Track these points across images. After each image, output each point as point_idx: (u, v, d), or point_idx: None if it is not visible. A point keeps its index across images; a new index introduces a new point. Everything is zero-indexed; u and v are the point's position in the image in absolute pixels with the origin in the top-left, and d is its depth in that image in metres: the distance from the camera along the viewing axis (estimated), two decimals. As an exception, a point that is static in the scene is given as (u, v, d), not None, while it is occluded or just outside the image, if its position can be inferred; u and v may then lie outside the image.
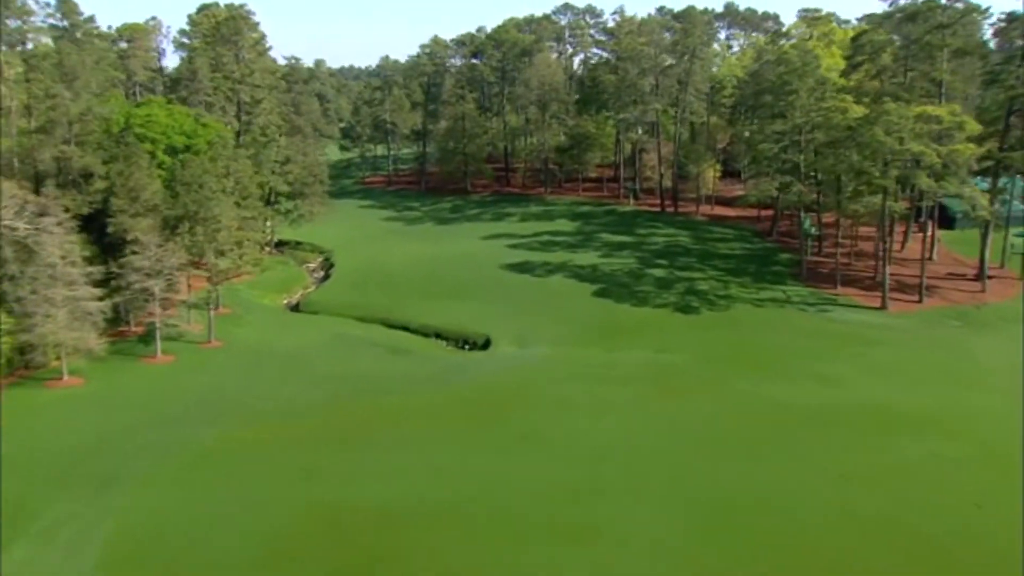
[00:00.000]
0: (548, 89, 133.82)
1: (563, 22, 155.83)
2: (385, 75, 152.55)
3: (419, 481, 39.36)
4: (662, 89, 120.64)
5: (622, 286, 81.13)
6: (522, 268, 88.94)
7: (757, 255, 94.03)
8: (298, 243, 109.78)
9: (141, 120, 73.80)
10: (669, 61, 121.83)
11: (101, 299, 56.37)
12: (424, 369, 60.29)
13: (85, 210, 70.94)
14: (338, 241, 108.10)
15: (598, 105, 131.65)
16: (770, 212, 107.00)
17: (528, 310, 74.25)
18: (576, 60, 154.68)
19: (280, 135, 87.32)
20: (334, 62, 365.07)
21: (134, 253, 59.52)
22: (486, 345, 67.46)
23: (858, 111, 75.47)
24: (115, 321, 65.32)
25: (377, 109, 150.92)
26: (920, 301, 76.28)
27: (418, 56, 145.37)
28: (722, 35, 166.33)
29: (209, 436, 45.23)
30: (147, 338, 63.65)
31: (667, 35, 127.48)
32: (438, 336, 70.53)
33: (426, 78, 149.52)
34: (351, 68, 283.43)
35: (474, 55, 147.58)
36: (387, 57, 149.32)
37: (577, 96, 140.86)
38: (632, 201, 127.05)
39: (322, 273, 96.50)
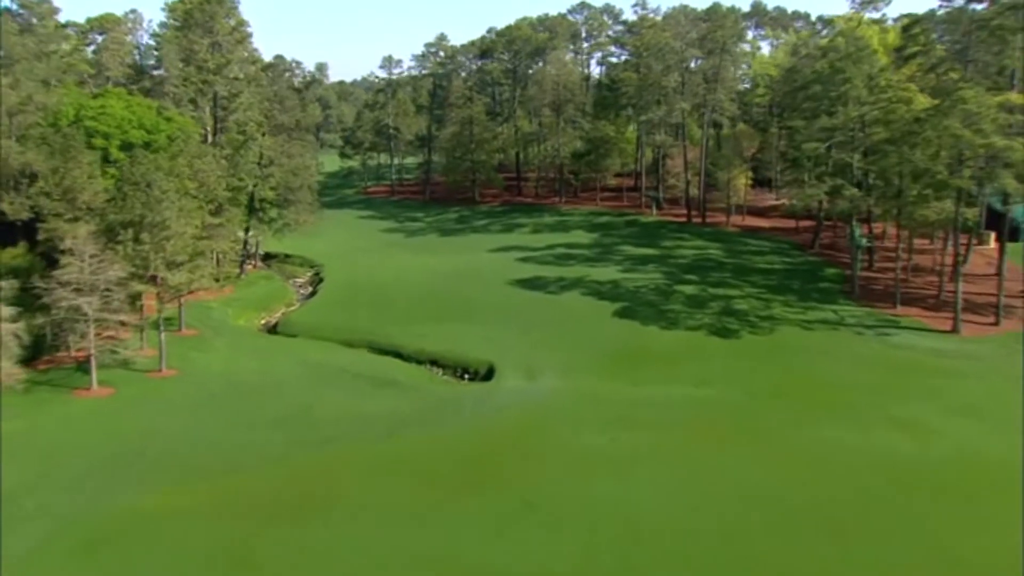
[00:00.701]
0: (563, 90, 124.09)
1: (579, 19, 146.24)
2: (388, 74, 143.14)
3: None
4: (688, 88, 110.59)
5: (648, 305, 70.88)
6: (533, 284, 78.87)
7: (800, 270, 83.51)
8: (287, 256, 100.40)
9: (93, 112, 64.44)
10: (695, 59, 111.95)
11: (19, 320, 46.66)
12: (412, 406, 50.16)
13: (24, 214, 61.69)
14: (332, 254, 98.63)
15: (617, 108, 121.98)
16: (809, 223, 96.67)
17: (539, 333, 64.09)
18: (593, 61, 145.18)
19: (262, 134, 77.81)
20: (344, 76, 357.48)
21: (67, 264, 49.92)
22: (489, 375, 57.23)
23: (923, 101, 65.18)
24: (54, 346, 55.76)
25: (379, 113, 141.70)
26: (997, 324, 65.56)
27: (423, 55, 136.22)
28: (749, 35, 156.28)
29: (123, 501, 35.25)
30: (87, 365, 53.88)
31: (693, 33, 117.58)
32: (434, 363, 60.42)
33: (432, 79, 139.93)
34: (363, 80, 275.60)
35: (483, 55, 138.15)
36: (390, 57, 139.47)
37: (594, 98, 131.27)
38: (655, 211, 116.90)
39: (310, 289, 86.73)
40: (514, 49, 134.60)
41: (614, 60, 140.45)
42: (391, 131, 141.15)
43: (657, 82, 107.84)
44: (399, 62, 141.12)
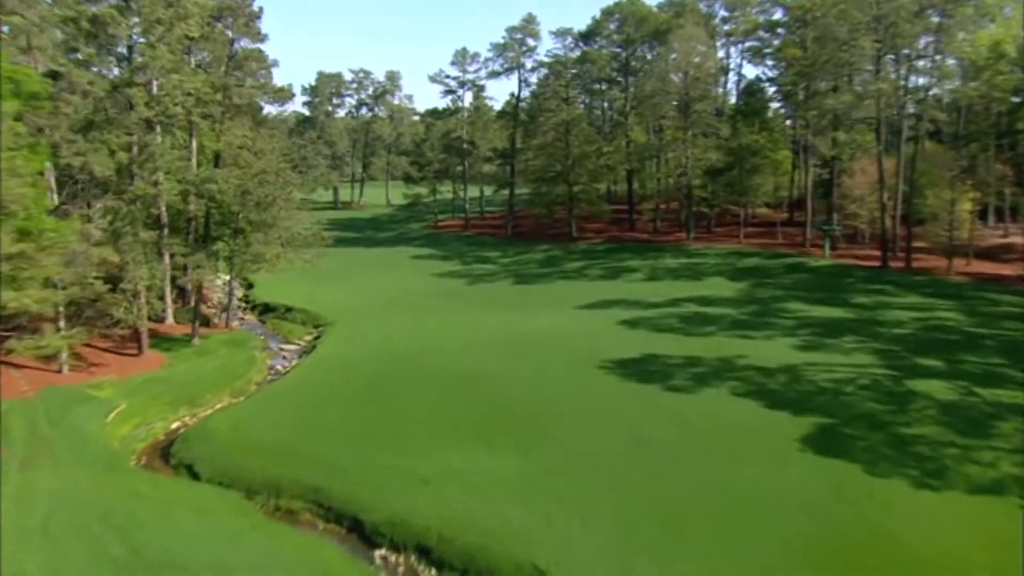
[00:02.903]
0: (693, 82, 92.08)
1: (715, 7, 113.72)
2: (461, 72, 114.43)
3: None
4: (884, 67, 76.57)
5: (867, 421, 37.43)
6: (645, 370, 46.66)
7: None
8: (288, 308, 71.77)
9: None
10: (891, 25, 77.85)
11: None
12: None
13: None
14: (353, 307, 70.06)
15: (762, 116, 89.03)
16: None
17: (649, 487, 31.76)
18: (734, 52, 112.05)
19: (201, 116, 49.34)
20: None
21: None
22: (533, 603, 25.41)
23: None
24: None
25: (450, 123, 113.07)
26: None
27: (504, 44, 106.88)
28: None
29: None
30: None
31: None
32: (421, 556, 28.99)
33: (517, 74, 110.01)
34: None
35: (585, 38, 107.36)
36: (464, 51, 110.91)
37: (735, 108, 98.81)
38: (828, 251, 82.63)
39: (295, 362, 57.13)
40: (625, 32, 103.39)
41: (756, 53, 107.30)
42: (464, 146, 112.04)
43: (833, 58, 74.41)
44: (475, 56, 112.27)
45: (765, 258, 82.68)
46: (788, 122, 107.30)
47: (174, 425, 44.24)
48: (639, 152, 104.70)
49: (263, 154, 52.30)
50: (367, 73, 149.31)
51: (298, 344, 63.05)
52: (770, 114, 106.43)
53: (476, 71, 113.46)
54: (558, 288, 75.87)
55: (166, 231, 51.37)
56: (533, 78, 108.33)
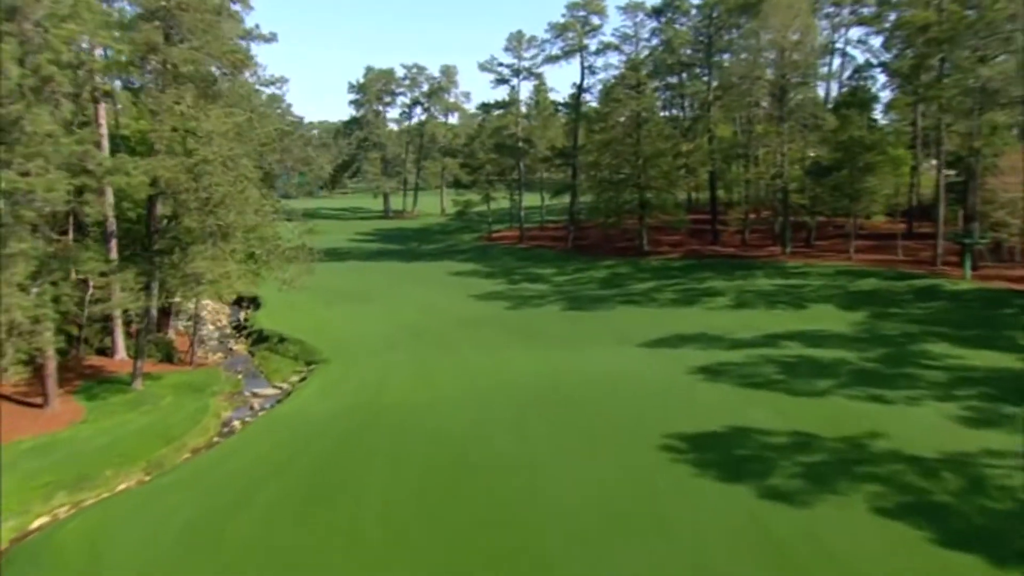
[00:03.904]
0: (791, 60, 75.82)
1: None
2: (516, 59, 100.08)
3: None
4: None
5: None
6: (729, 456, 31.31)
7: None
8: (282, 339, 58.46)
9: None
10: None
11: None
12: None
13: None
14: (362, 337, 57.28)
15: (867, 108, 72.22)
16: None
17: None
18: (839, 36, 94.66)
19: (106, 88, 36.21)
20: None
21: None
22: None
23: None
24: None
25: (503, 118, 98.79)
26: None
27: (563, 24, 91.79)
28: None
29: None
30: None
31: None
32: None
33: (579, 58, 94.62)
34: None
35: (657, 14, 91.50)
36: (520, 34, 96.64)
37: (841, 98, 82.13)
38: (968, 271, 65.22)
39: (260, 415, 43.38)
40: (708, 5, 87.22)
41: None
42: (519, 145, 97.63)
43: (988, 17, 57.43)
44: (531, 40, 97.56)
45: (885, 279, 65.81)
46: (891, 114, 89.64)
47: (36, 523, 30.75)
48: (724, 150, 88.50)
49: (212, 138, 38.76)
50: (421, 69, 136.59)
51: (278, 388, 49.47)
52: (880, 104, 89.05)
53: (532, 57, 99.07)
54: (619, 316, 60.64)
55: (71, 239, 38.21)
56: (599, 62, 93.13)
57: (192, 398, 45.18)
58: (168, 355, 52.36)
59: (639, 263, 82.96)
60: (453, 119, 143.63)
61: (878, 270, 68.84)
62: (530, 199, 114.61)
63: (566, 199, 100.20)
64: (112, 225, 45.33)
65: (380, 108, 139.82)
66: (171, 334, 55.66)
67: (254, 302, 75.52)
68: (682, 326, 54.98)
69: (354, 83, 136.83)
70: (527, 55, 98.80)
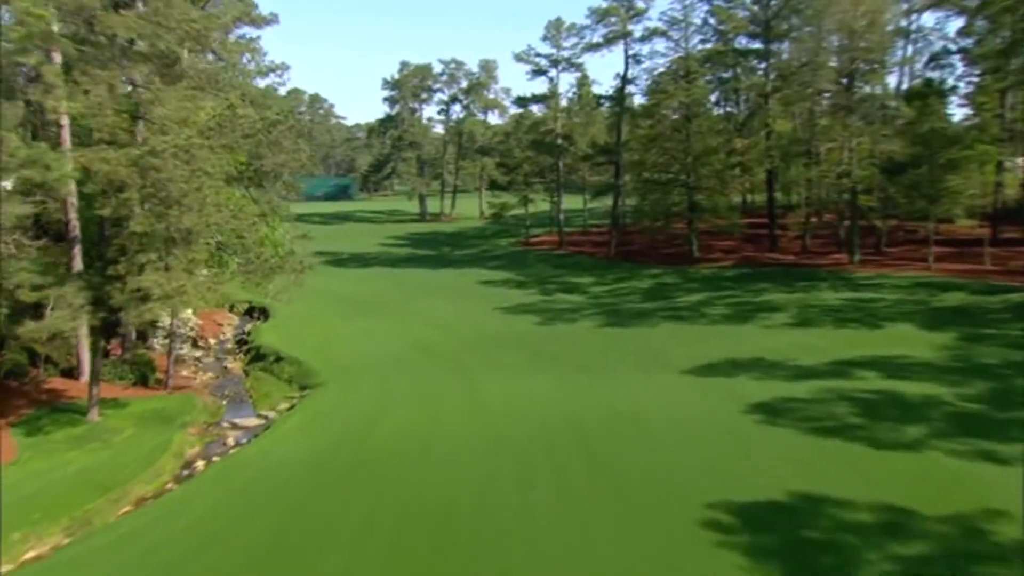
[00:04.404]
0: (864, 37, 67.32)
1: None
2: (554, 48, 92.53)
3: None
4: None
5: None
6: (795, 538, 23.80)
7: None
8: (279, 358, 52.10)
9: None
10: None
11: None
12: None
13: None
14: (368, 357, 51.25)
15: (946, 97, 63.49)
16: None
17: None
18: (911, 22, 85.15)
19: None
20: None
21: None
22: None
23: None
24: None
25: (541, 115, 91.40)
26: None
27: (607, 7, 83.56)
28: None
29: None
30: None
31: None
32: None
33: (621, 43, 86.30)
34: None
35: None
36: (558, 22, 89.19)
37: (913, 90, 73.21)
38: (1073, 283, 56.23)
39: (231, 451, 36.81)
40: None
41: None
42: (558, 142, 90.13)
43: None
44: (571, 28, 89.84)
45: (973, 293, 57.03)
46: (969, 107, 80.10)
47: None
48: (783, 147, 79.95)
49: (167, 126, 32.28)
50: (459, 64, 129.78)
51: (264, 417, 42.93)
52: (958, 95, 79.85)
53: (572, 47, 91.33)
54: (662, 334, 52.92)
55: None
56: (644, 50, 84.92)
57: (155, 431, 38.80)
58: (144, 377, 46.16)
59: (688, 272, 75.02)
60: (494, 117, 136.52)
61: (964, 282, 60.02)
62: (572, 201, 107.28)
63: (609, 201, 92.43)
64: (75, 229, 38.99)
65: (416, 105, 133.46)
66: (162, 347, 49.44)
67: (264, 312, 69.63)
68: (735, 348, 47.14)
69: (388, 79, 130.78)
70: (566, 44, 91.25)
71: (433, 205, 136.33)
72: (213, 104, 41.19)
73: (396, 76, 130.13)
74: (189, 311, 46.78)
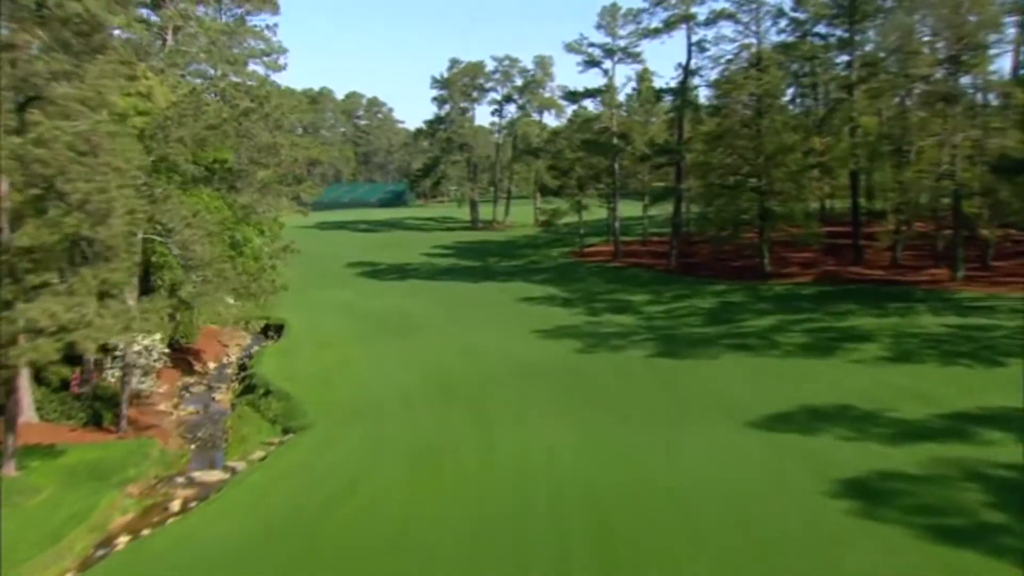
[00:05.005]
0: (962, 31, 57.07)
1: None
2: (609, 37, 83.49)
3: None
4: None
5: None
6: None
7: None
8: (267, 392, 44.63)
9: None
10: None
11: None
12: None
13: None
14: (371, 391, 43.93)
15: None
16: None
17: None
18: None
19: None
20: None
21: None
22: None
23: None
24: None
25: (597, 117, 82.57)
26: None
27: (666, -3, 74.06)
28: None
29: None
30: None
31: None
32: None
33: (684, 28, 76.51)
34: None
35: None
36: (614, 7, 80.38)
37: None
38: None
39: (170, 517, 29.17)
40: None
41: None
42: (613, 141, 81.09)
43: None
44: (628, 14, 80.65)
45: (1114, 320, 46.45)
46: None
47: None
48: (871, 145, 69.55)
49: (75, 110, 24.92)
50: (514, 61, 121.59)
51: (232, 470, 35.23)
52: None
53: (629, 35, 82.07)
54: (724, 369, 43.77)
55: None
56: (709, 36, 74.90)
57: (82, 491, 31.33)
58: (97, 416, 38.97)
59: (758, 289, 65.39)
60: (550, 117, 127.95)
61: (1099, 305, 49.40)
62: (631, 208, 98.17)
63: (669, 207, 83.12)
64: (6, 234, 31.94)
65: (467, 105, 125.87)
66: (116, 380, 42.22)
67: (280, 331, 62.65)
68: (814, 391, 37.82)
69: (437, 77, 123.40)
70: (623, 32, 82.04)
71: (486, 212, 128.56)
72: (171, 87, 33.73)
73: (445, 74, 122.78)
74: (156, 336, 39.28)
